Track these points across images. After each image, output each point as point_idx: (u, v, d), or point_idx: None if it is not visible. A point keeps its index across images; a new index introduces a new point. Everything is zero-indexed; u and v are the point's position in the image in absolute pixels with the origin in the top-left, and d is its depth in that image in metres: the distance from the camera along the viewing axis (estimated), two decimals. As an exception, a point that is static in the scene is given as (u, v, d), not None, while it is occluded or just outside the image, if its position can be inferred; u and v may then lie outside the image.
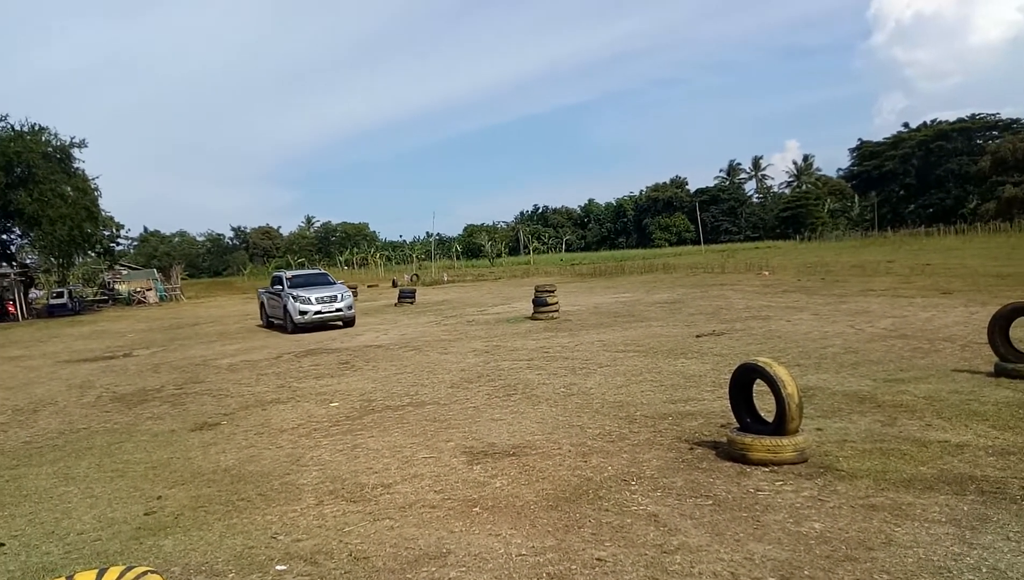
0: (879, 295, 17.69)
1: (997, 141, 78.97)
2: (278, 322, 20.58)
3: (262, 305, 22.76)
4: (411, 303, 27.20)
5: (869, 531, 4.13)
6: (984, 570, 3.57)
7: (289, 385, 10.83)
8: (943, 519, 4.22)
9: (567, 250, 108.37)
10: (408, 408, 8.51)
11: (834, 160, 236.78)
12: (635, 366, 10.14)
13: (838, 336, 11.55)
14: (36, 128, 37.04)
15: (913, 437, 5.87)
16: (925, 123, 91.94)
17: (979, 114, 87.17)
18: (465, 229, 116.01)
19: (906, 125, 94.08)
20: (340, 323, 19.69)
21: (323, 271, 24.27)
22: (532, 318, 17.73)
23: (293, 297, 19.12)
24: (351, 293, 20.49)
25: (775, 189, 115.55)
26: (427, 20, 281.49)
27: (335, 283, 21.25)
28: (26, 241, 41.95)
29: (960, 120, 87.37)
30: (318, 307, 18.87)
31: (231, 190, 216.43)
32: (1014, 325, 7.96)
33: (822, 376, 8.54)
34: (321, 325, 19.25)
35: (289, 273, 21.67)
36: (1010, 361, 7.75)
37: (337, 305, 19.19)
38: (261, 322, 22.84)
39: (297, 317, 18.82)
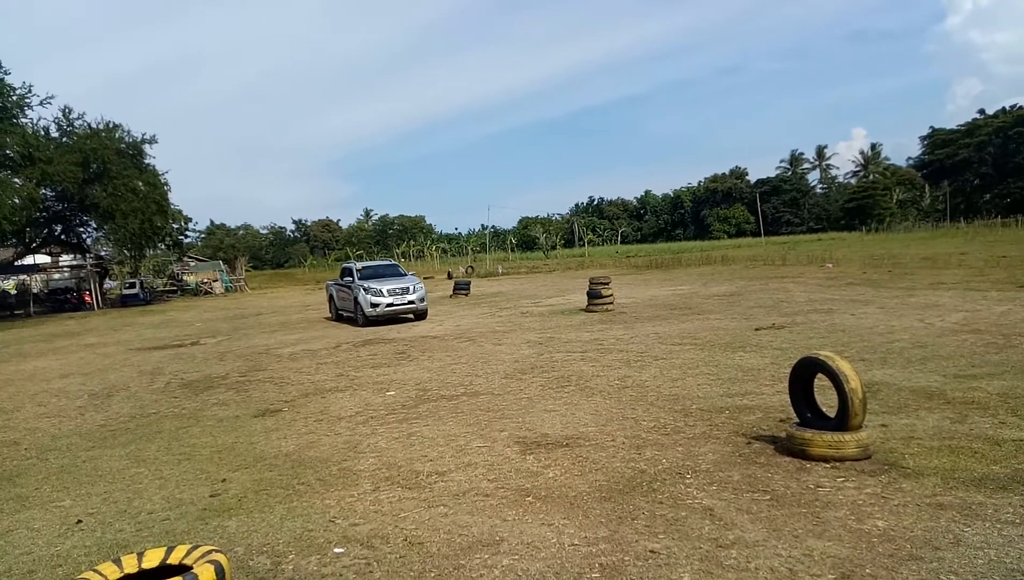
0: (950, 288, 16.94)
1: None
2: (348, 314, 19.84)
3: (331, 298, 21.82)
4: (466, 295, 27.43)
5: (936, 530, 3.98)
6: (1062, 575, 3.40)
7: (347, 374, 11.06)
8: (1017, 521, 4.03)
9: (623, 242, 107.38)
10: (462, 398, 8.60)
11: (904, 149, 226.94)
12: (691, 359, 9.99)
13: (905, 330, 11.12)
14: (110, 125, 38.41)
15: (985, 435, 5.61)
16: (1004, 109, 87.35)
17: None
18: (520, 221, 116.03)
19: (982, 112, 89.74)
20: (411, 316, 19.02)
21: (394, 262, 23.09)
22: (586, 310, 17.64)
23: (364, 289, 18.47)
24: (423, 285, 19.69)
25: (840, 179, 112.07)
26: (483, 14, 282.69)
27: (406, 274, 20.26)
28: (101, 234, 43.73)
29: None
30: (390, 299, 18.23)
31: (292, 185, 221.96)
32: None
33: (888, 371, 8.25)
34: (393, 318, 18.59)
35: (359, 264, 20.86)
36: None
37: (409, 297, 18.54)
38: (330, 315, 21.94)
39: (368, 310, 18.18)
